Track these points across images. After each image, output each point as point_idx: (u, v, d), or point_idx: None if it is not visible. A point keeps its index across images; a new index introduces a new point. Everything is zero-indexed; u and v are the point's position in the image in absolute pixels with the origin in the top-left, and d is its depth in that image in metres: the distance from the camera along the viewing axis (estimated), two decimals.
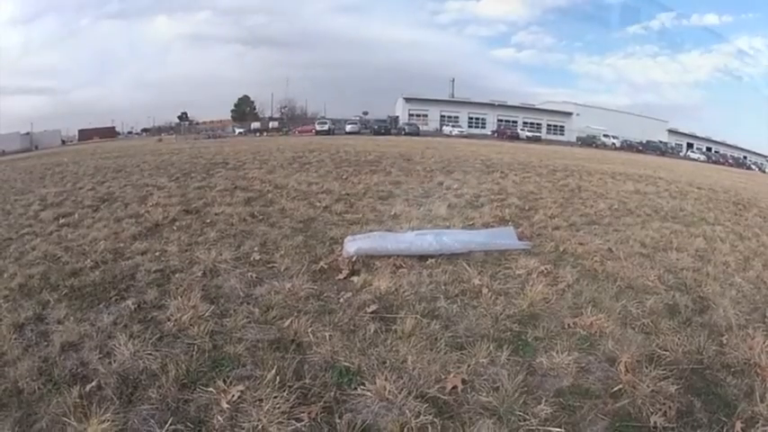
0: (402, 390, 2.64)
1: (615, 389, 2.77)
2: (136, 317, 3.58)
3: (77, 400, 2.61)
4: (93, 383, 2.77)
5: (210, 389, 2.67)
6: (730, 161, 55.70)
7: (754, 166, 57.17)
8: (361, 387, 2.68)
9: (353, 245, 4.80)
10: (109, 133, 68.31)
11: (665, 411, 2.58)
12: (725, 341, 3.38)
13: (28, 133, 60.58)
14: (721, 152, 63.24)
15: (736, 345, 3.31)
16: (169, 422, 2.44)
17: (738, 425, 2.52)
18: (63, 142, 59.75)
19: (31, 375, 2.90)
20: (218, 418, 2.46)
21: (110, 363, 2.96)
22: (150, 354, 3.03)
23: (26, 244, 5.91)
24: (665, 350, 3.19)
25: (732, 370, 3.06)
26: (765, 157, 61.50)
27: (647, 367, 2.94)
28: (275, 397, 2.56)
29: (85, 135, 65.07)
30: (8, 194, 10.90)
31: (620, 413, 2.58)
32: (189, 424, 2.45)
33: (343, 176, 11.09)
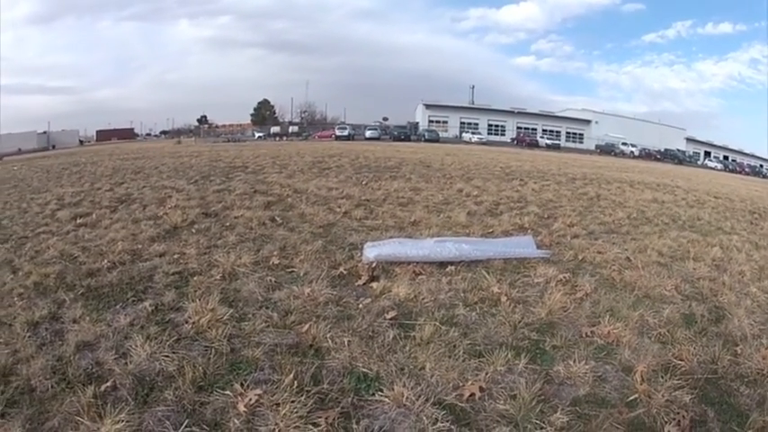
0: (420, 396, 2.63)
1: (631, 398, 2.75)
2: (153, 318, 3.59)
3: (91, 400, 2.60)
4: (109, 383, 2.76)
5: (227, 392, 2.66)
6: (747, 170, 55.18)
7: None
8: (379, 393, 2.68)
9: (373, 251, 4.80)
10: (127, 134, 69.51)
11: (679, 421, 2.56)
12: (739, 351, 3.35)
13: (45, 132, 61.21)
14: (738, 161, 62.76)
15: (750, 354, 3.29)
16: (185, 424, 2.44)
17: None
18: (81, 142, 60.51)
19: (45, 374, 2.89)
20: (235, 421, 2.46)
21: (125, 363, 2.95)
22: (167, 355, 3.02)
23: (42, 243, 5.94)
24: (681, 360, 3.16)
25: (746, 380, 3.04)
26: None
27: (662, 377, 2.92)
28: (293, 401, 2.56)
29: (104, 136, 66.25)
30: (24, 193, 10.99)
31: (635, 422, 2.56)
32: (205, 426, 2.45)
33: (363, 182, 11.14)
